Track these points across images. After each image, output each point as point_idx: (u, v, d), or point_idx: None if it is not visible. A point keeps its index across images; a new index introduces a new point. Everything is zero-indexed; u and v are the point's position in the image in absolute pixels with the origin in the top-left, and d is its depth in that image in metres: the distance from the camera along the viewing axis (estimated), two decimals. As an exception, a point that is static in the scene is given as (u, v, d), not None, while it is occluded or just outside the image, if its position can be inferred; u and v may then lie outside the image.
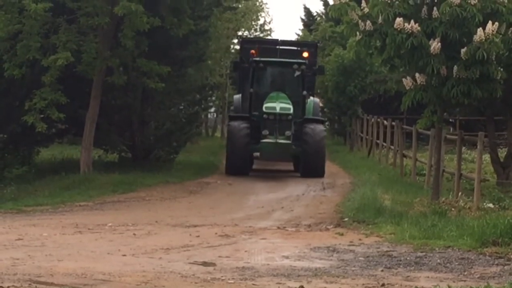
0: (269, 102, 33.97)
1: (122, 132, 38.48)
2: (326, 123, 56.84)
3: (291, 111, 33.07)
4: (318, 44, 49.99)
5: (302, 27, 78.14)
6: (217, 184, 33.93)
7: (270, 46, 40.09)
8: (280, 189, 29.50)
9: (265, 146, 31.22)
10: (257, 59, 36.09)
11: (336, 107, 50.74)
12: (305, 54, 35.60)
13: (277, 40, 45.35)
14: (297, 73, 34.63)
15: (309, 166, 32.56)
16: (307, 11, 75.92)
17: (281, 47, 40.75)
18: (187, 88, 42.27)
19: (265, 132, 31.81)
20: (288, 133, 31.90)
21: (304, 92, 34.74)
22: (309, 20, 73.35)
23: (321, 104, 46.15)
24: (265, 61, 36.03)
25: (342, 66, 46.79)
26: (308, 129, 32.79)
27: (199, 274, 14.36)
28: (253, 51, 37.21)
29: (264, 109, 32.88)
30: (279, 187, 30.61)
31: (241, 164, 33.73)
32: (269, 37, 66.58)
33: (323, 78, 48.00)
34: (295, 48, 40.72)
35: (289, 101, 33.65)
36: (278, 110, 33.01)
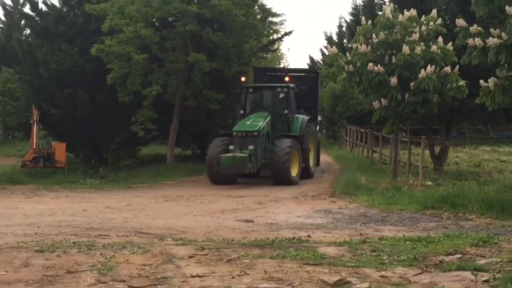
0: (243, 121, 28.15)
1: (194, 137, 38.53)
2: (323, 130, 56.16)
3: (257, 128, 26.63)
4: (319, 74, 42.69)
5: (308, 69, 78.64)
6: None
7: (277, 73, 34.31)
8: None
9: (223, 160, 25.69)
10: (247, 85, 30.29)
11: (330, 120, 50.56)
12: (287, 79, 29.89)
13: (284, 68, 41.26)
14: (282, 95, 28.57)
15: (276, 176, 26.35)
16: (311, 58, 75.48)
17: (271, 73, 35.54)
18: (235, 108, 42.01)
19: (231, 147, 26.45)
20: (251, 147, 25.88)
21: (286, 111, 28.41)
22: (313, 64, 72.84)
23: (319, 118, 45.76)
24: (253, 86, 30.43)
25: (333, 94, 46.57)
26: (275, 145, 26.71)
27: (243, 227, 14.48)
28: (243, 78, 30.74)
29: (233, 129, 27.67)
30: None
31: (216, 174, 26.79)
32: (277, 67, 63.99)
33: (321, 101, 48.08)
34: (283, 74, 32.60)
35: (261, 120, 27.34)
36: (244, 128, 27.02)
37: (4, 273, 9.10)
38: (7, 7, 41.81)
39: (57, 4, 39.01)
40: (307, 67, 68.29)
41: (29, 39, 39.93)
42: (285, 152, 26.02)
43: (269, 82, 31.52)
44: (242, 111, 29.23)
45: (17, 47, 39.22)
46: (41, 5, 39.68)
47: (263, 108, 28.74)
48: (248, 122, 27.62)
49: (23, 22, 41.45)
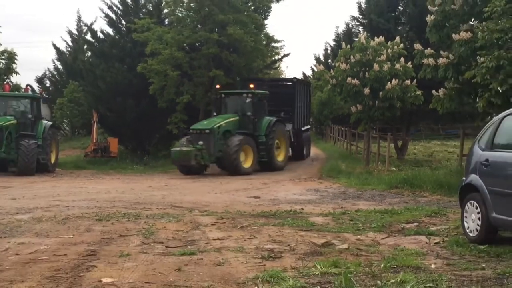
0: (203, 121, 26.33)
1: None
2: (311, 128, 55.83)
3: (209, 127, 24.00)
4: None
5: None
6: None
7: (258, 82, 29.22)
8: (290, 163, 29.23)
9: (172, 153, 23.71)
10: (221, 91, 27.46)
11: (318, 121, 50.25)
12: (251, 86, 26.47)
13: (264, 78, 34.73)
14: (248, 100, 25.75)
15: (228, 167, 23.81)
16: (304, 74, 75.02)
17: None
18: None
19: (183, 142, 24.31)
20: (200, 143, 23.26)
21: (249, 113, 25.34)
22: (305, 78, 72.47)
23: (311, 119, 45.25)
24: (226, 92, 27.21)
25: (321, 101, 46.39)
26: (228, 140, 23.70)
27: (252, 202, 14.45)
28: (218, 85, 28.78)
29: (190, 127, 25.16)
30: (289, 162, 30.28)
31: (180, 166, 24.22)
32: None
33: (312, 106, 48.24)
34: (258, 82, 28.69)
35: (220, 120, 24.55)
36: (199, 126, 24.67)
37: (71, 236, 9.16)
38: (74, 35, 41.82)
39: (111, 32, 39.15)
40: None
41: (90, 60, 40.04)
42: (235, 145, 23.42)
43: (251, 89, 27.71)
44: (215, 113, 26.61)
45: (81, 66, 39.47)
46: (99, 34, 39.85)
47: (234, 111, 25.96)
48: (206, 122, 25.59)
49: (85, 46, 41.47)
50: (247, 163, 24.24)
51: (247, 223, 10.33)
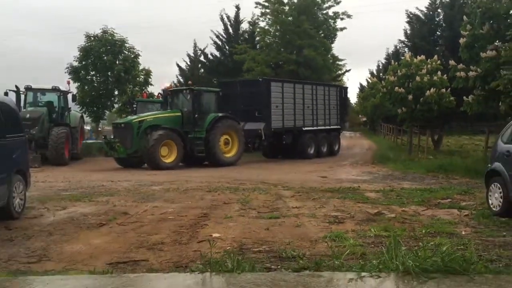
0: (128, 116, 21.83)
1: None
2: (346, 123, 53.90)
3: (126, 121, 19.26)
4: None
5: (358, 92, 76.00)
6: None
7: (230, 83, 23.52)
8: (348, 150, 28.72)
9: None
10: (170, 89, 22.25)
11: (371, 120, 48.87)
12: (189, 82, 22.41)
13: (236, 80, 24.45)
14: (188, 96, 19.89)
15: (147, 161, 18.34)
16: (361, 84, 73.30)
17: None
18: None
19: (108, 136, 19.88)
20: (112, 137, 19.25)
21: (185, 109, 19.63)
22: (363, 88, 70.64)
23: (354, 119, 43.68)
24: (171, 90, 21.70)
25: (374, 105, 45.09)
26: (149, 135, 18.10)
27: (321, 181, 14.23)
28: (167, 84, 23.69)
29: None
30: (349, 151, 29.78)
31: (117, 159, 19.23)
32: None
33: (365, 109, 47.13)
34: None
35: (144, 116, 19.23)
36: (119, 121, 20.45)
37: (190, 202, 9.39)
38: (191, 57, 42.84)
39: (218, 55, 39.79)
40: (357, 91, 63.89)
41: (203, 75, 40.76)
42: (153, 139, 18.01)
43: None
44: (134, 106, 22.63)
45: (197, 79, 40.13)
46: (209, 56, 40.54)
47: (177, 107, 20.21)
48: (130, 117, 20.53)
49: (199, 65, 42.37)
50: (170, 158, 18.57)
51: (317, 196, 10.24)
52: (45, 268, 4.89)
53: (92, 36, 29.99)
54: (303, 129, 24.03)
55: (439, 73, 22.67)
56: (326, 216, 7.80)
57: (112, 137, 19.19)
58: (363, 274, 4.31)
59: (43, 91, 21.84)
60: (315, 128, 24.82)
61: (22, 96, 20.91)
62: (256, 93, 21.95)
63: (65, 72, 29.97)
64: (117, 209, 8.47)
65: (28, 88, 21.24)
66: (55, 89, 21.50)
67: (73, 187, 12.08)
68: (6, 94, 18.02)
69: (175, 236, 6.36)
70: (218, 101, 20.86)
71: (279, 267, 4.76)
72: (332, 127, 26.16)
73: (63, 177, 14.60)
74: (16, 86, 20.39)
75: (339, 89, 27.57)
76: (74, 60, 30.05)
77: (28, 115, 19.10)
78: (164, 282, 4.27)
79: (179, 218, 7.61)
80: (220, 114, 20.07)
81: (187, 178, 14.25)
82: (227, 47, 38.93)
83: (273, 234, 6.46)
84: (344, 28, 35.49)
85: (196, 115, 19.64)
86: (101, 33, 30.10)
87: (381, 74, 50.60)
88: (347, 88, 30.03)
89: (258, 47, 36.28)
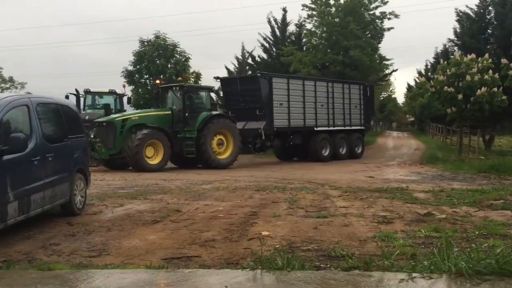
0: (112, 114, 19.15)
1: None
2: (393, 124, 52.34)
3: (108, 119, 17.36)
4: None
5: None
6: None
7: (231, 80, 22.86)
8: (396, 151, 28.15)
9: None
10: (161, 85, 19.29)
11: (419, 120, 47.39)
12: (180, 78, 20.87)
13: (235, 76, 22.98)
14: (178, 94, 18.00)
15: (130, 161, 16.79)
16: (408, 84, 70.93)
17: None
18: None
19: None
20: (92, 136, 16.70)
21: (175, 107, 18.10)
22: (410, 88, 67.99)
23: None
24: (162, 87, 19.03)
25: (422, 105, 43.89)
26: (132, 135, 16.74)
27: (368, 180, 14.04)
28: (157, 81, 20.22)
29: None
30: (397, 151, 29.17)
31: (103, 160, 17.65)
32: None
33: (412, 109, 45.81)
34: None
35: (129, 114, 17.87)
36: (102, 119, 17.81)
37: (239, 201, 9.45)
38: (239, 60, 43.24)
39: (265, 57, 39.86)
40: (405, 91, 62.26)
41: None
42: (137, 139, 16.52)
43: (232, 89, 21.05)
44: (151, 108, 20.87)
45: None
46: (257, 58, 40.74)
47: (167, 105, 18.46)
48: (113, 115, 18.61)
49: (247, 67, 42.62)
50: (155, 159, 17.08)
51: (365, 196, 10.07)
52: (105, 262, 5.06)
53: (146, 42, 30.87)
54: (315, 129, 21.85)
55: (490, 71, 21.85)
56: (374, 216, 7.66)
57: (93, 136, 16.98)
58: (414, 275, 4.20)
59: (101, 94, 22.65)
60: (331, 128, 22.59)
61: (82, 99, 21.74)
62: (257, 90, 19.99)
63: (121, 76, 31.13)
64: (170, 207, 8.65)
65: (87, 92, 22.12)
66: (111, 92, 22.29)
67: (129, 185, 12.44)
68: (67, 97, 18.84)
69: (226, 233, 6.42)
70: (211, 98, 19.47)
71: (328, 266, 4.72)
72: (353, 127, 23.83)
73: (120, 175, 15.06)
74: (76, 90, 21.29)
75: (362, 86, 24.95)
76: (129, 65, 31.13)
77: (87, 117, 19.85)
78: (216, 278, 4.33)
79: (229, 216, 7.68)
80: (213, 113, 18.42)
81: (236, 178, 14.37)
82: (274, 49, 39.00)
83: (321, 233, 6.41)
84: (392, 28, 34.83)
85: (186, 114, 17.89)
86: (154, 39, 30.89)
87: (429, 73, 49.14)
88: (373, 85, 27.44)
89: (304, 48, 36.12)
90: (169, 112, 18.13)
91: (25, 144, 6.09)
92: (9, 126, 6.13)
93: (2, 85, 39.14)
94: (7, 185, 5.74)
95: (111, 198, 9.78)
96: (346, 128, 23.47)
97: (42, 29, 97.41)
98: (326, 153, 22.24)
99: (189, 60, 31.57)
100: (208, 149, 17.89)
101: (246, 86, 20.64)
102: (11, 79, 40.31)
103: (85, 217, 7.72)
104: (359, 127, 24.37)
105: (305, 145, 21.79)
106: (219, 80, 22.13)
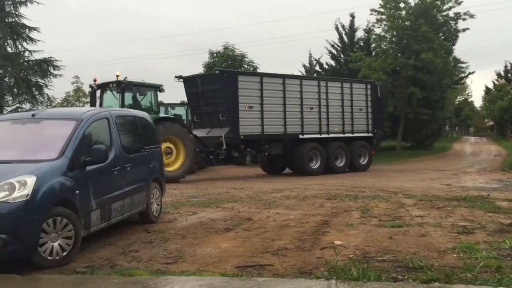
0: None
1: (411, 135, 36.65)
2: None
3: None
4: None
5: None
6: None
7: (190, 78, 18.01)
8: (474, 157, 26.76)
9: None
10: (97, 84, 16.31)
11: (498, 123, 44.85)
12: (117, 73, 15.64)
13: (198, 74, 18.36)
14: (117, 91, 15.58)
15: None
16: (486, 87, 67.51)
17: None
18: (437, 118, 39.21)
19: None
20: None
21: (111, 106, 14.35)
22: (488, 91, 64.67)
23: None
24: (98, 85, 16.23)
25: (502, 108, 41.50)
26: None
27: (444, 188, 13.46)
28: (95, 78, 16.46)
29: None
30: (475, 157, 27.71)
31: None
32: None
33: (490, 113, 43.32)
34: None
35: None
36: None
37: (310, 209, 9.39)
38: (306, 67, 43.12)
39: (333, 64, 39.52)
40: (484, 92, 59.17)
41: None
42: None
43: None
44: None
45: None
46: (325, 65, 40.45)
47: (106, 104, 15.69)
48: None
49: (315, 74, 42.47)
50: None
51: (442, 205, 9.65)
52: (181, 268, 5.20)
53: (215, 53, 31.68)
54: (300, 137, 18.39)
55: None
56: (453, 226, 7.31)
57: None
58: (500, 289, 3.97)
59: (173, 105, 23.49)
60: (323, 136, 19.04)
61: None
62: (218, 91, 16.90)
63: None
64: (242, 215, 8.75)
65: (160, 103, 23.02)
66: (182, 104, 23.06)
67: (201, 193, 12.75)
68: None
69: (298, 242, 6.39)
70: (157, 99, 16.66)
71: (406, 277, 4.56)
72: (356, 134, 20.09)
73: (192, 184, 15.47)
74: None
75: (370, 86, 20.99)
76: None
77: None
78: (290, 287, 4.31)
79: (301, 225, 7.64)
80: (161, 116, 16.01)
81: (306, 186, 14.30)
82: (342, 56, 38.53)
83: (396, 243, 6.21)
84: (467, 28, 33.27)
85: None
86: (223, 50, 31.61)
87: (509, 75, 46.50)
88: (385, 85, 23.61)
89: (373, 54, 35.40)
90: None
91: (106, 155, 6.40)
92: (91, 138, 6.50)
93: (83, 99, 41.46)
94: (90, 194, 6.08)
95: (185, 206, 10.06)
96: (346, 135, 19.81)
97: (119, 45, 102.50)
98: (316, 166, 18.79)
99: (257, 69, 31.96)
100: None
101: (207, 86, 17.29)
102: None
103: (161, 224, 7.99)
104: (365, 134, 20.47)
105: (290, 156, 18.62)
106: (181, 80, 18.01)
